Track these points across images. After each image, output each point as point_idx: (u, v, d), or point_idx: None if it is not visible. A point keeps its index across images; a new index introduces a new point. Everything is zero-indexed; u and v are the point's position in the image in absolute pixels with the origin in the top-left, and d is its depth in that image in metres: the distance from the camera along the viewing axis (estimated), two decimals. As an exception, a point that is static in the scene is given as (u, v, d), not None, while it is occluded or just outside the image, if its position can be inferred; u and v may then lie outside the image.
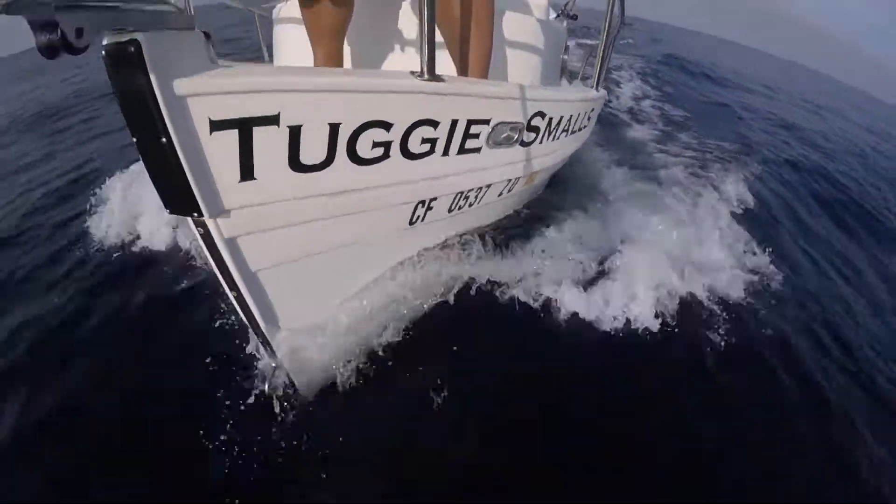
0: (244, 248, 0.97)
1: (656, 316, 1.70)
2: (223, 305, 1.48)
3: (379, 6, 1.64)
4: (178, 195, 0.82)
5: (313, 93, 0.86)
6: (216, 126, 0.79)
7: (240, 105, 0.80)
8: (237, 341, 1.38)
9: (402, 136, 1.04)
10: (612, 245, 2.02)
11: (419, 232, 1.40)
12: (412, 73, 0.99)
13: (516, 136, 1.36)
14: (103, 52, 0.66)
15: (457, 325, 1.56)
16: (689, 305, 1.80)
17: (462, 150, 1.21)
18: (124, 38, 0.65)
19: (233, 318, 1.45)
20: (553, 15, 4.08)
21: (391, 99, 0.96)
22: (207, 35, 0.78)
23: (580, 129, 1.87)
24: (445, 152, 1.17)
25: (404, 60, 1.71)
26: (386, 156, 1.04)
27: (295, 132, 0.88)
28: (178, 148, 0.75)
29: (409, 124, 1.03)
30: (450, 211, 1.43)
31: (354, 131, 0.95)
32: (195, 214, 0.85)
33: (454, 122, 1.12)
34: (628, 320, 1.68)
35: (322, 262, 1.18)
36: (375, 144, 1.00)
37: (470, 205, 1.50)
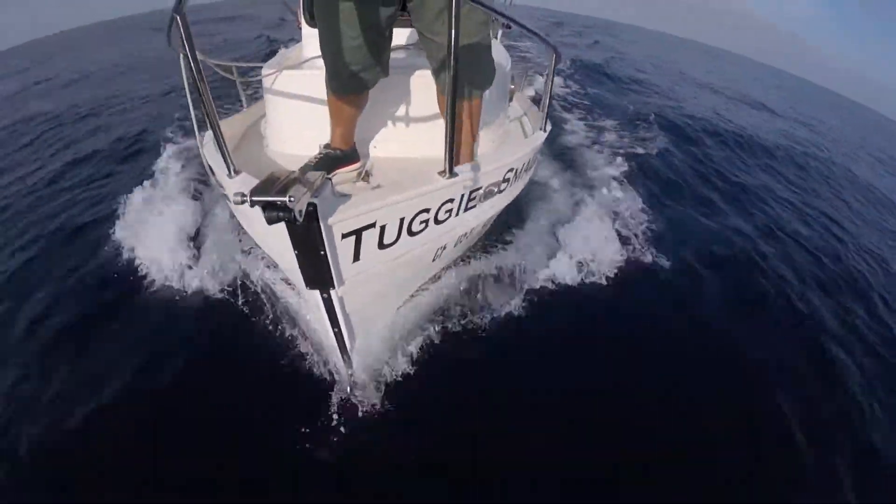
0: (348, 301, 1.53)
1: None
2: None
3: (382, 93, 2.15)
4: (319, 279, 1.36)
5: (392, 206, 1.42)
6: (344, 236, 1.33)
7: (355, 223, 1.34)
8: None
9: (435, 213, 1.62)
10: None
11: (438, 262, 2.00)
12: (440, 173, 1.56)
13: (496, 189, 1.97)
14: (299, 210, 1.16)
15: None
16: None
17: (466, 209, 1.80)
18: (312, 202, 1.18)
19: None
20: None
21: (431, 195, 1.54)
22: (330, 180, 1.32)
23: (532, 166, 2.53)
24: (457, 214, 1.76)
25: (396, 134, 2.28)
26: (426, 227, 1.62)
27: (382, 228, 1.44)
28: (329, 255, 1.30)
29: (439, 205, 1.61)
30: (455, 246, 2.03)
31: (412, 219, 1.52)
32: (330, 289, 1.39)
33: (462, 196, 1.71)
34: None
35: (385, 296, 1.76)
36: (421, 222, 1.58)
37: (467, 238, 2.11)
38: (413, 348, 2.06)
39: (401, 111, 2.28)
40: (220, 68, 2.53)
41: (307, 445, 1.71)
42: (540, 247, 2.91)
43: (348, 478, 1.69)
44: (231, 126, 2.53)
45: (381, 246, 1.49)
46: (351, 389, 1.86)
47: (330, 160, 2.01)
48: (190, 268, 2.52)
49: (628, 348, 2.41)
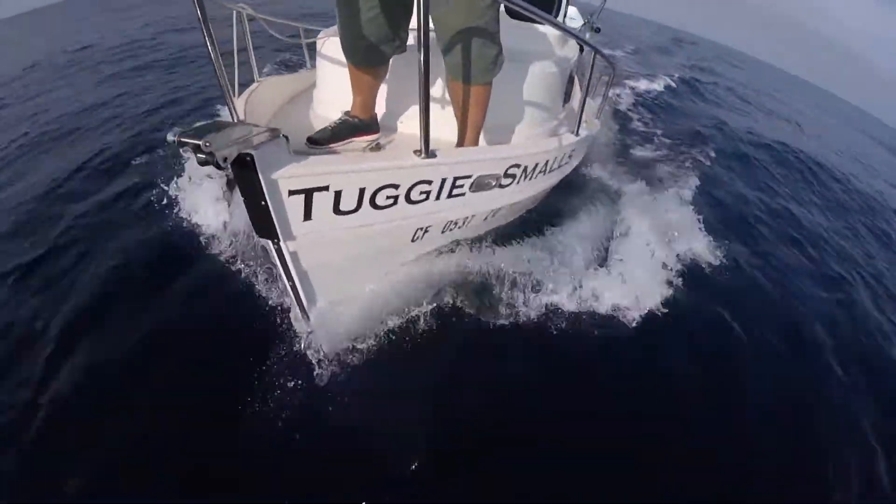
0: (302, 258, 1.56)
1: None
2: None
3: (406, 70, 2.15)
4: (265, 229, 1.40)
5: (349, 173, 1.41)
6: (292, 193, 1.35)
7: (307, 182, 1.35)
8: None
9: (406, 192, 1.57)
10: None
11: (418, 244, 1.95)
12: (415, 151, 1.51)
13: (494, 183, 1.86)
14: (234, 161, 1.21)
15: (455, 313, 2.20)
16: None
17: (450, 196, 1.73)
18: (245, 153, 1.21)
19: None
20: (580, 22, 4.38)
21: (399, 172, 1.50)
22: (287, 138, 1.34)
23: (559, 167, 2.34)
24: (437, 198, 1.69)
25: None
26: (395, 203, 1.58)
27: (338, 194, 1.43)
28: (271, 207, 1.32)
29: (411, 184, 1.56)
30: (442, 232, 1.96)
31: (374, 192, 1.49)
32: (274, 240, 1.43)
33: (444, 180, 1.64)
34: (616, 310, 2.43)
35: (353, 263, 1.76)
36: (388, 197, 1.55)
37: (459, 227, 2.02)
38: (386, 330, 2.03)
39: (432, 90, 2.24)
40: (288, 29, 2.70)
41: (241, 386, 1.79)
42: (574, 255, 2.67)
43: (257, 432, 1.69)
44: (279, 85, 2.66)
45: (338, 211, 1.48)
46: (305, 348, 1.91)
47: (348, 127, 2.05)
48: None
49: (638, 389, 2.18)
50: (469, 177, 1.72)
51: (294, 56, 6.55)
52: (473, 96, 1.78)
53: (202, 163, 1.12)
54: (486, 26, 1.61)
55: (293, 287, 1.67)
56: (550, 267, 2.49)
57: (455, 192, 1.73)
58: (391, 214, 1.62)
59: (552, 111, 2.56)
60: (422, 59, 1.28)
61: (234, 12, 2.45)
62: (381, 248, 1.80)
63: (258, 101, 2.65)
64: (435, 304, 2.21)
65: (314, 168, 1.35)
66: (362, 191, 1.47)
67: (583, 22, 5.37)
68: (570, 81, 2.79)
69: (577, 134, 2.29)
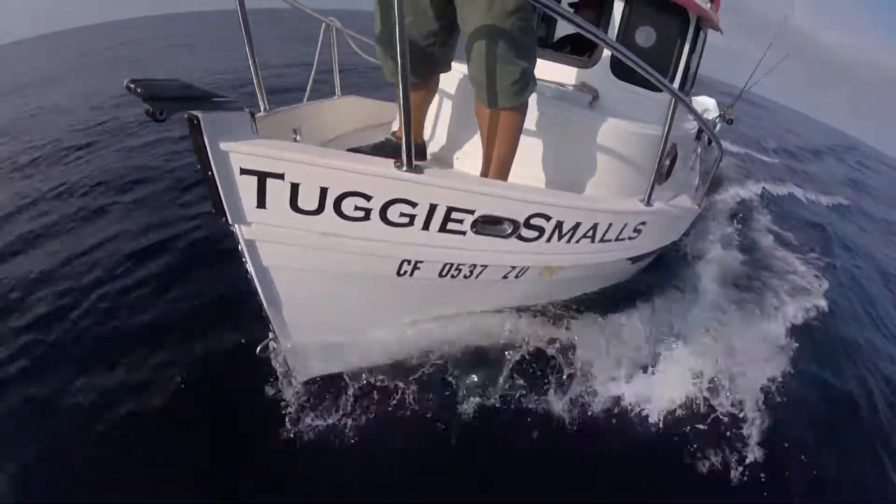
0: (260, 249, 1.37)
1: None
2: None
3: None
4: (217, 206, 1.24)
5: (307, 165, 1.20)
6: (243, 172, 1.18)
7: (260, 164, 1.18)
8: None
9: (381, 207, 1.32)
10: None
11: (409, 284, 1.64)
12: (395, 163, 1.27)
13: (510, 230, 1.52)
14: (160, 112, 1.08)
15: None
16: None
17: (443, 230, 1.43)
18: (194, 114, 1.08)
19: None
20: (715, 114, 4.66)
21: (368, 180, 1.26)
22: (252, 115, 1.19)
23: (619, 240, 1.90)
24: (425, 227, 1.41)
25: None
26: (366, 218, 1.34)
27: (295, 187, 1.23)
28: (218, 180, 1.16)
29: (387, 200, 1.30)
30: (441, 276, 1.65)
31: (339, 196, 1.27)
32: (223, 219, 1.26)
33: (433, 206, 1.36)
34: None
35: (331, 286, 1.54)
36: (357, 208, 1.31)
37: (464, 276, 1.67)
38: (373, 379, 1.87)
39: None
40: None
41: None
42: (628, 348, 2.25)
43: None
44: (361, 106, 2.72)
45: (296, 208, 1.28)
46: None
47: (389, 147, 1.91)
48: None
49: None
50: (470, 212, 1.41)
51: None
52: (497, 122, 1.52)
53: (146, 115, 1.00)
54: (510, 30, 1.37)
55: (251, 281, 1.48)
56: (600, 354, 2.13)
57: (451, 226, 1.43)
58: (364, 230, 1.37)
59: (634, 182, 2.19)
60: (399, 49, 1.12)
61: (323, 25, 2.53)
62: (364, 274, 1.55)
63: (333, 114, 2.69)
64: (435, 366, 1.95)
65: (268, 150, 1.17)
66: (324, 190, 1.25)
67: (717, 114, 4.90)
68: (672, 159, 2.39)
69: (649, 204, 1.88)
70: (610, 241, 1.86)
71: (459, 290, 1.74)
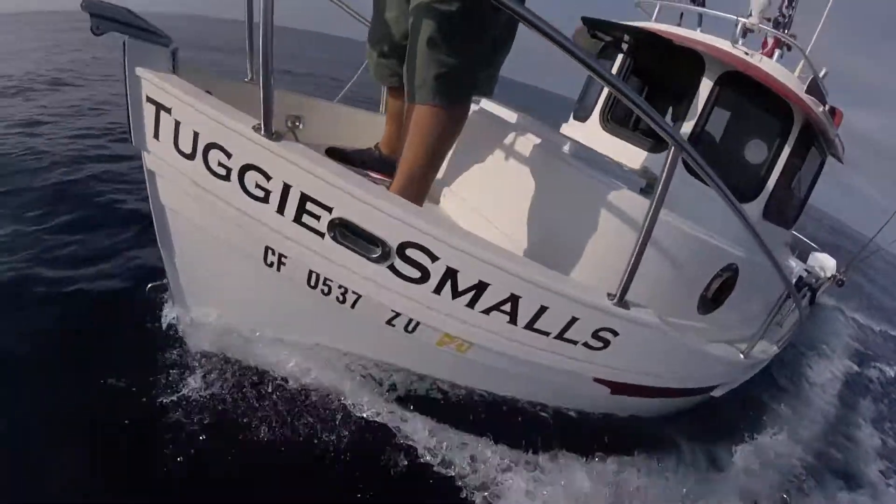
0: (158, 183, 1.45)
1: None
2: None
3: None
4: (128, 127, 1.38)
5: (185, 105, 1.24)
6: (148, 100, 1.30)
7: (159, 95, 1.27)
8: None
9: (239, 170, 1.24)
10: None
11: (285, 286, 1.48)
12: (254, 126, 1.20)
13: (378, 253, 1.24)
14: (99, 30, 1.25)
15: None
16: None
17: (298, 221, 1.26)
18: (124, 38, 1.25)
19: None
20: (831, 272, 4.14)
21: (230, 135, 1.20)
22: (174, 52, 1.30)
23: (568, 341, 1.37)
24: (279, 211, 1.26)
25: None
26: (227, 178, 1.28)
27: (177, 124, 1.28)
28: (129, 100, 1.30)
29: (244, 163, 1.23)
30: (310, 285, 1.43)
31: (207, 144, 1.26)
32: (131, 140, 1.39)
33: (287, 186, 1.22)
34: None
35: (209, 246, 1.50)
36: (219, 164, 1.26)
37: (338, 299, 1.42)
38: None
39: (489, 171, 2.00)
40: None
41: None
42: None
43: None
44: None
45: (177, 148, 1.31)
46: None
47: (367, 157, 1.90)
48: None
49: None
50: (327, 208, 1.21)
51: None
52: (413, 121, 1.32)
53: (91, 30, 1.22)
54: (447, 15, 1.21)
55: (153, 217, 1.55)
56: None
57: (306, 219, 1.24)
58: (226, 193, 1.29)
59: (665, 294, 1.63)
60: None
61: None
62: (234, 247, 1.45)
63: (351, 123, 2.56)
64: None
65: (165, 83, 1.24)
66: (196, 135, 1.26)
67: (832, 274, 4.27)
68: (726, 283, 1.73)
69: (623, 304, 1.33)
70: (549, 335, 1.34)
71: (337, 315, 1.47)
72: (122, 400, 1.61)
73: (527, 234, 1.84)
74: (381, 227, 1.20)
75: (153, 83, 1.26)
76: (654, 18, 2.90)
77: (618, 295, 1.32)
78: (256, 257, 1.42)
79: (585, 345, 1.37)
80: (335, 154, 1.82)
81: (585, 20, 2.54)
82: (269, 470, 1.56)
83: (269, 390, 1.67)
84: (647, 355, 1.55)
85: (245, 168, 1.24)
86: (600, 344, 1.37)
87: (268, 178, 1.23)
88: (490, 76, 1.49)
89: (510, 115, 2.24)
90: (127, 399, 1.61)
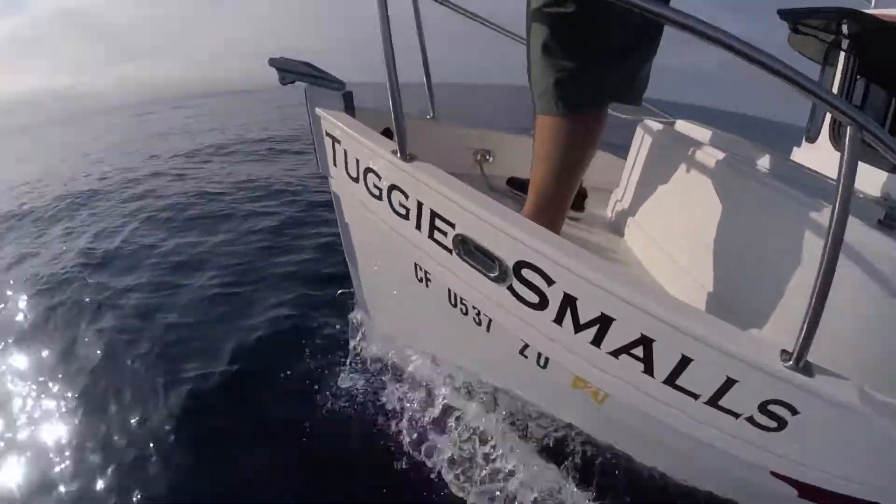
0: (343, 203, 1.71)
1: None
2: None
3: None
4: (315, 158, 1.70)
5: (347, 136, 1.45)
6: (326, 134, 1.59)
7: (333, 129, 1.54)
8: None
9: (387, 190, 1.37)
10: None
11: (432, 301, 1.53)
12: (392, 150, 1.29)
13: (496, 272, 1.19)
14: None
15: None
16: None
17: (432, 237, 1.31)
18: (304, 85, 1.56)
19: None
20: None
21: (376, 159, 1.35)
22: (346, 95, 1.54)
23: (728, 412, 1.01)
24: (417, 227, 1.33)
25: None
26: (379, 198, 1.42)
27: (345, 152, 1.52)
28: (314, 135, 1.62)
29: (389, 184, 1.35)
30: (451, 303, 1.46)
31: (364, 169, 1.44)
32: (317, 168, 1.71)
33: (420, 204, 1.29)
34: None
35: (379, 261, 1.72)
36: (375, 186, 1.42)
37: (475, 320, 1.41)
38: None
39: (673, 197, 1.83)
40: None
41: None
42: None
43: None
44: None
45: (347, 172, 1.54)
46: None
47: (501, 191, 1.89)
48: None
49: None
50: (451, 224, 1.23)
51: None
52: (538, 134, 1.23)
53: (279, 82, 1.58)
54: (555, 18, 1.11)
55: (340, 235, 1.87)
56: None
57: (437, 236, 1.28)
58: (381, 212, 1.45)
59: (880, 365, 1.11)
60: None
61: None
62: (394, 264, 1.60)
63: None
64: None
65: (335, 119, 1.49)
66: (356, 161, 1.46)
67: None
68: None
69: (800, 367, 0.91)
70: (698, 398, 1.03)
71: (477, 338, 1.46)
72: (298, 394, 1.98)
73: (709, 271, 1.51)
74: (495, 244, 1.15)
75: (328, 120, 1.52)
76: (873, 4, 2.25)
77: (795, 353, 0.91)
78: (409, 273, 1.55)
79: (751, 421, 0.98)
80: (515, 183, 1.87)
81: (781, 12, 2.15)
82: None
83: (415, 403, 1.79)
84: (844, 448, 1.01)
85: (390, 188, 1.37)
86: (773, 423, 0.96)
87: (406, 196, 1.33)
88: (627, 80, 1.31)
89: (703, 134, 1.94)
90: (302, 393, 1.98)
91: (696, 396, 1.02)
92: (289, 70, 1.48)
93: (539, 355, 1.31)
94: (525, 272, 1.13)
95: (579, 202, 2.02)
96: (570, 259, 1.04)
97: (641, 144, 2.19)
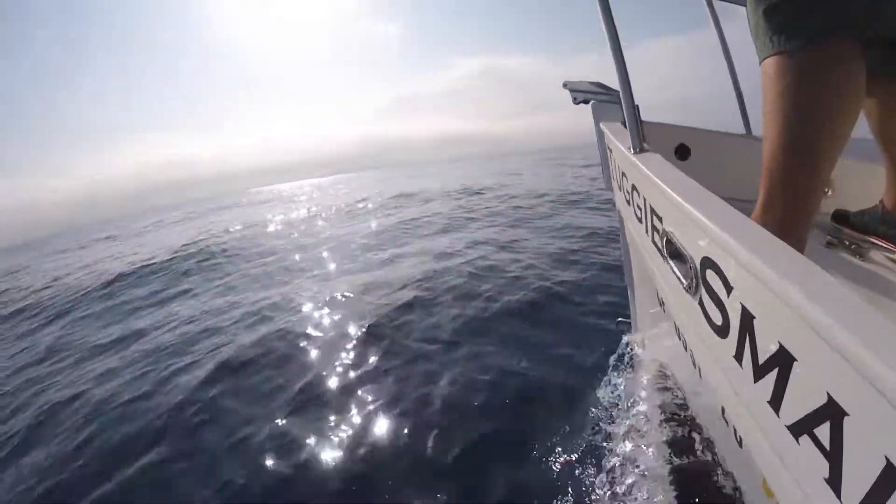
0: (626, 223, 1.65)
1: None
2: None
3: None
4: (602, 172, 1.80)
5: (611, 147, 1.49)
6: (609, 151, 1.67)
7: (609, 142, 1.61)
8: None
9: (629, 189, 1.35)
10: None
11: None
12: (627, 147, 1.28)
13: (690, 280, 0.90)
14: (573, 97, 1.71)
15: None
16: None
17: (648, 232, 1.18)
18: (589, 102, 1.69)
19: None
20: None
21: (624, 158, 1.36)
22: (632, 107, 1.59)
23: None
24: (640, 220, 1.24)
25: None
26: (629, 204, 1.41)
27: (615, 161, 1.56)
28: (599, 150, 1.75)
29: (631, 184, 1.33)
30: (660, 306, 1.25)
31: (621, 174, 1.45)
32: (606, 186, 1.81)
33: (645, 200, 1.20)
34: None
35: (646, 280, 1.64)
36: (626, 191, 1.42)
37: (691, 360, 1.09)
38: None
39: None
40: None
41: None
42: None
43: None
44: None
45: (619, 188, 1.57)
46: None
47: (874, 219, 1.29)
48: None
49: None
50: (660, 218, 1.07)
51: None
52: (763, 89, 0.93)
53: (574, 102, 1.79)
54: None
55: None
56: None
57: (656, 238, 1.14)
58: (633, 224, 1.42)
59: None
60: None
61: None
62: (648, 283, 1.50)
63: None
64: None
65: (611, 129, 1.57)
66: (622, 174, 1.45)
67: None
68: None
69: None
70: None
71: (696, 384, 1.22)
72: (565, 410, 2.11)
73: None
74: (685, 237, 0.92)
75: (607, 133, 1.62)
76: None
77: None
78: (652, 292, 1.45)
79: None
80: (840, 219, 1.36)
81: None
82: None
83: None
84: None
85: (632, 189, 1.35)
86: None
87: (637, 192, 1.28)
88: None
89: None
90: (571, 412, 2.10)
91: None
92: (580, 90, 1.72)
93: (733, 427, 0.87)
94: (709, 275, 0.85)
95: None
96: (751, 254, 0.73)
97: None
